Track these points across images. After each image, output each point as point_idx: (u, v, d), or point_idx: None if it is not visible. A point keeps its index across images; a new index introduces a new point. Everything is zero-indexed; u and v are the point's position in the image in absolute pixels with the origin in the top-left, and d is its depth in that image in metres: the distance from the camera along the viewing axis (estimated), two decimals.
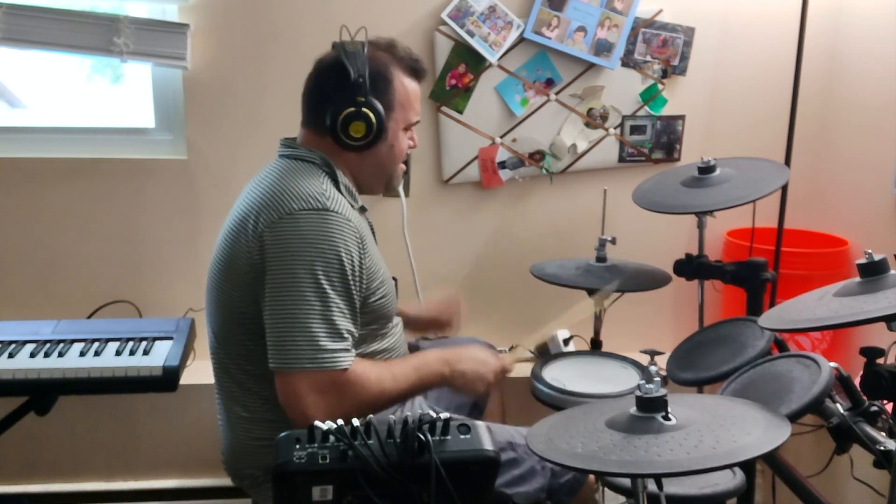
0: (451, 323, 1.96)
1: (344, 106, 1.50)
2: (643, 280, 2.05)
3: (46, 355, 1.73)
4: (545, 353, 2.29)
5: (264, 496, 1.57)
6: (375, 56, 1.54)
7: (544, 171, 2.41)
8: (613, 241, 2.08)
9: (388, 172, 1.64)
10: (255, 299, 1.45)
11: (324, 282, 1.39)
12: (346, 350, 1.41)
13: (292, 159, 1.55)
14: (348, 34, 1.53)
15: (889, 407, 1.29)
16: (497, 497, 1.40)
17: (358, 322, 1.46)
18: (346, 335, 1.42)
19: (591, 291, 2.06)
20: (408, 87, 1.59)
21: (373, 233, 1.66)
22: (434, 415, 1.12)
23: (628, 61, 2.36)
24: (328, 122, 1.51)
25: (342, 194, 1.52)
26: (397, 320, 1.71)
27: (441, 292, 2.04)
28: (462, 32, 2.26)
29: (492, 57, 2.29)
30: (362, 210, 1.62)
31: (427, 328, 1.97)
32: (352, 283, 1.43)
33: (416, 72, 1.61)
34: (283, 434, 1.11)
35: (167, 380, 1.71)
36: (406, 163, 2.32)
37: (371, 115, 1.50)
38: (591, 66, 2.34)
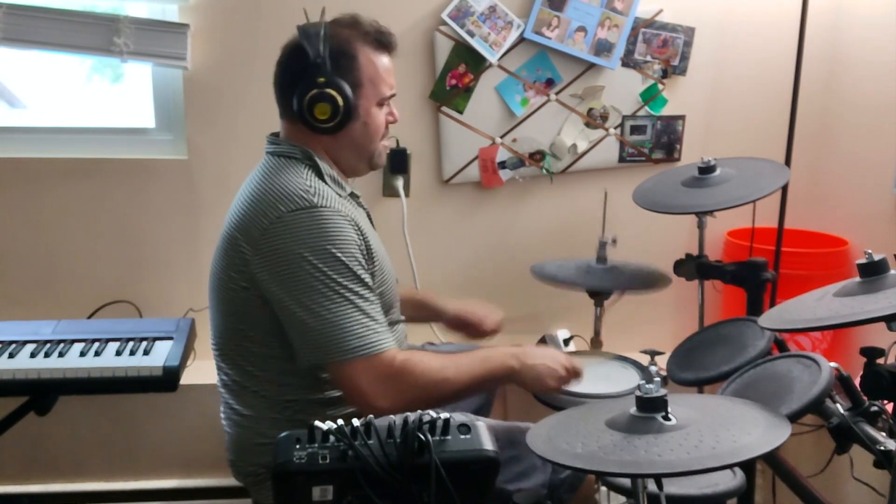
0: (486, 328, 1.92)
1: (307, 89, 1.48)
2: (643, 281, 2.05)
3: (46, 355, 1.73)
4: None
5: (265, 495, 1.57)
6: (337, 34, 1.51)
7: (544, 171, 2.41)
8: (614, 243, 2.08)
9: (367, 151, 1.60)
10: (256, 303, 1.45)
11: (333, 275, 1.40)
12: (383, 331, 1.42)
13: (275, 156, 1.54)
14: (307, 17, 1.51)
15: (889, 407, 1.29)
16: (497, 494, 1.40)
17: (380, 305, 1.46)
18: (376, 316, 1.42)
19: (592, 293, 2.06)
20: (375, 62, 1.55)
21: (370, 219, 1.65)
22: (434, 415, 1.12)
23: (628, 61, 2.36)
24: (295, 108, 1.50)
25: (328, 185, 1.51)
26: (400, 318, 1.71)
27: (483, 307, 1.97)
28: (462, 32, 2.26)
29: (492, 57, 2.29)
30: (354, 196, 1.61)
31: (458, 326, 1.94)
32: (360, 268, 1.43)
33: (383, 44, 1.57)
34: (283, 434, 1.11)
35: (167, 380, 1.71)
36: (406, 162, 2.33)
37: (335, 94, 1.48)
38: (591, 66, 2.34)
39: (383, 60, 1.58)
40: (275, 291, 1.42)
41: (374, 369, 1.39)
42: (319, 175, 1.52)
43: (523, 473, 1.53)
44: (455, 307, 1.95)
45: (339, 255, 1.41)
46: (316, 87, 1.47)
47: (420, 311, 1.93)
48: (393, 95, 1.61)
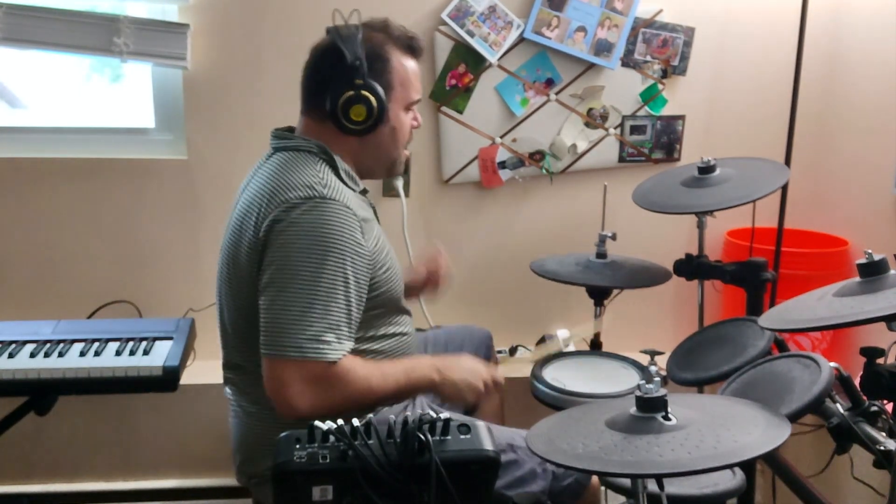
0: (442, 276, 1.92)
1: (343, 90, 1.48)
2: (643, 277, 2.05)
3: (46, 355, 1.73)
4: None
5: (266, 495, 1.56)
6: (371, 37, 1.53)
7: (544, 171, 2.41)
8: (614, 237, 2.08)
9: (391, 156, 1.62)
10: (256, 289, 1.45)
11: (321, 271, 1.38)
12: (337, 341, 1.39)
13: (287, 151, 1.54)
14: (342, 18, 1.51)
15: (889, 407, 1.29)
16: (497, 499, 1.39)
17: (353, 313, 1.44)
18: (340, 326, 1.40)
19: (591, 293, 2.06)
20: (406, 66, 1.57)
21: (375, 214, 1.65)
22: (434, 415, 1.12)
23: (628, 61, 2.36)
24: (328, 108, 1.50)
25: (342, 180, 1.51)
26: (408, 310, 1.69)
27: (423, 251, 1.98)
28: (462, 32, 2.26)
29: (492, 57, 2.29)
30: (364, 192, 1.61)
31: (423, 290, 1.94)
32: (350, 271, 1.42)
33: (413, 49, 1.59)
34: (283, 434, 1.11)
35: (167, 380, 1.71)
36: (406, 163, 2.32)
37: (371, 97, 1.49)
38: (591, 66, 2.34)
39: (413, 65, 1.59)
40: (264, 271, 1.42)
41: (307, 374, 1.37)
42: (334, 169, 1.52)
43: (523, 479, 1.52)
44: (422, 269, 1.93)
45: (336, 252, 1.40)
46: (353, 88, 1.48)
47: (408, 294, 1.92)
48: (419, 100, 1.63)
